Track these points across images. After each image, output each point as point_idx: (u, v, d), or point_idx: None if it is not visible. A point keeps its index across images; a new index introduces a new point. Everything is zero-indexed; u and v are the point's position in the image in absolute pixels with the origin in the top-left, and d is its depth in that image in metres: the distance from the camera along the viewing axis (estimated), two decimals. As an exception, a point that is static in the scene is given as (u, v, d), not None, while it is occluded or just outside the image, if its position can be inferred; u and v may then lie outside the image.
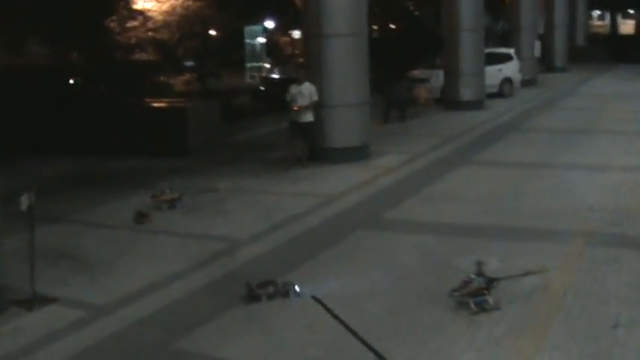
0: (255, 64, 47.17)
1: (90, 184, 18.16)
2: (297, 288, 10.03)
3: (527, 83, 38.40)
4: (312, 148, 19.62)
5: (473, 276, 9.46)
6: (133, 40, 36.50)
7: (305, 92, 18.83)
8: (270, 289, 9.98)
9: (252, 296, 9.91)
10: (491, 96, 32.95)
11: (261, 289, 9.96)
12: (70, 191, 17.24)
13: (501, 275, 9.74)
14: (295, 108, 18.82)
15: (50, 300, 10.12)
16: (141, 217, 14.19)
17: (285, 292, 9.99)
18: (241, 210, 14.90)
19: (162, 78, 34.40)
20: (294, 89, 19.09)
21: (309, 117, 18.97)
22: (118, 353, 8.71)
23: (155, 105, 24.31)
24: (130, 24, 36.58)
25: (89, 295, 10.46)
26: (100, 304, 10.07)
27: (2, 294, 10.00)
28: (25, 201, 9.97)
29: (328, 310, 9.34)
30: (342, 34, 19.39)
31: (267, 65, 47.21)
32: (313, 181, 17.39)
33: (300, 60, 33.65)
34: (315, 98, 18.87)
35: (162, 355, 8.55)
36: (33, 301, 9.94)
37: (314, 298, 9.75)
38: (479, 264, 9.57)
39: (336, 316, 9.12)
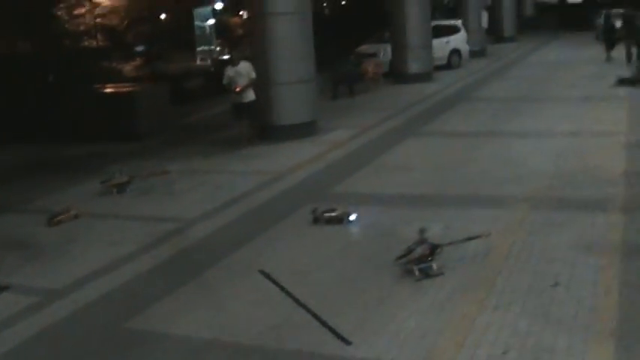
0: (206, 47, 47.01)
1: (41, 172, 18.18)
2: (351, 217, 11.83)
3: (475, 54, 38.79)
4: (260, 126, 19.69)
5: (416, 243, 9.65)
6: (82, 27, 36.32)
7: (243, 72, 18.86)
8: (331, 215, 11.92)
9: (315, 219, 11.95)
10: (439, 68, 33.26)
11: (323, 214, 11.94)
12: (20, 180, 17.26)
13: (444, 241, 9.96)
14: (237, 89, 18.81)
15: (2, 287, 10.19)
16: (54, 218, 13.58)
17: (340, 219, 11.84)
18: (191, 190, 15.02)
19: (112, 64, 34.25)
20: (230, 71, 19.07)
21: (251, 96, 19.07)
22: (70, 335, 8.80)
23: (104, 91, 24.29)
24: (78, 11, 36.37)
25: (41, 282, 10.55)
26: (52, 289, 10.15)
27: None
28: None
29: (276, 283, 9.51)
30: (286, 12, 19.47)
31: (218, 47, 47.07)
32: (262, 159, 17.51)
33: (242, 40, 33.79)
34: (253, 76, 18.91)
35: (114, 334, 8.65)
36: (-15, 290, 10.02)
37: (261, 272, 9.91)
38: (422, 231, 9.76)
39: (283, 289, 9.29)
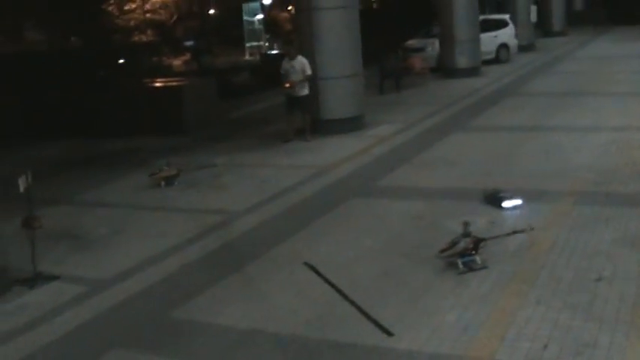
0: (254, 42, 47.21)
1: (89, 166, 18.44)
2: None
3: (524, 49, 38.56)
4: (313, 121, 19.80)
5: (460, 237, 9.68)
6: (132, 23, 36.66)
7: (297, 67, 19.02)
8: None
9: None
10: (487, 62, 33.09)
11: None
12: (69, 173, 17.52)
13: (488, 235, 9.99)
14: (287, 85, 19.03)
15: (51, 278, 10.38)
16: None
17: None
18: (237, 184, 15.17)
19: (162, 58, 34.55)
20: (286, 64, 19.31)
21: (304, 91, 19.16)
22: (116, 325, 8.96)
23: (152, 85, 24.54)
24: (128, 6, 36.70)
25: (89, 272, 10.71)
26: (99, 279, 10.32)
27: (5, 273, 10.26)
28: (22, 183, 10.22)
29: (320, 274, 9.58)
30: (332, 7, 19.54)
31: (266, 42, 47.25)
32: (308, 153, 17.62)
33: (290, 36, 33.84)
34: (309, 72, 19.03)
35: (159, 324, 8.79)
36: (35, 280, 10.21)
37: (306, 264, 9.99)
38: (466, 224, 9.77)
39: (327, 280, 9.36)
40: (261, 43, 46.68)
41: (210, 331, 8.40)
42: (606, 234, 10.35)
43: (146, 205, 14.12)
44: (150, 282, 10.12)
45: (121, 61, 29.17)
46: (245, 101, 28.01)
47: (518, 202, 11.86)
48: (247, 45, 46.68)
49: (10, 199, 10.52)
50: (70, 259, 11.36)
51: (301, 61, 19.11)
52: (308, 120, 19.44)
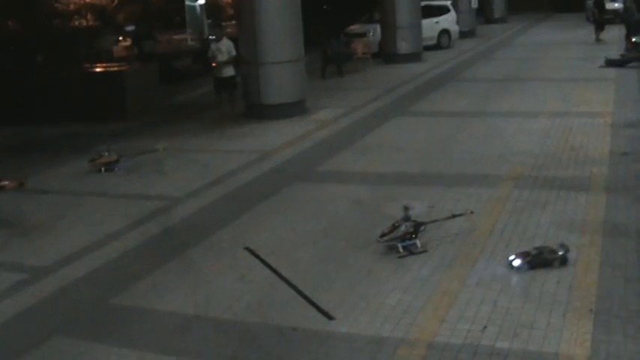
0: (195, 28, 46.84)
1: (29, 152, 18.20)
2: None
3: (465, 35, 38.84)
4: (247, 105, 19.93)
5: (400, 221, 9.74)
6: (72, 7, 36.18)
7: (223, 48, 19.72)
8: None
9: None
10: (429, 48, 33.25)
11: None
12: (8, 159, 17.23)
13: (428, 219, 10.08)
14: (214, 64, 19.77)
15: (-11, 265, 10.25)
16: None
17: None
18: (179, 169, 15.09)
19: (102, 44, 34.15)
20: (213, 46, 20.08)
21: (229, 72, 19.82)
22: (57, 312, 8.89)
23: (92, 70, 24.30)
24: (68, -10, 36.21)
25: (29, 259, 10.57)
26: (39, 266, 10.20)
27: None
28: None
29: (261, 259, 9.60)
30: (274, -9, 19.53)
31: (207, 27, 46.92)
32: (250, 138, 17.58)
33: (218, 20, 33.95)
34: (234, 53, 19.71)
35: (99, 310, 8.74)
36: (-28, 268, 10.09)
37: (247, 249, 9.99)
38: (406, 209, 9.84)
39: (268, 265, 9.38)
40: (202, 27, 46.35)
41: (151, 317, 8.38)
42: (545, 218, 10.49)
43: (86, 191, 13.99)
44: (91, 268, 10.03)
45: (60, 46, 28.80)
46: (187, 86, 27.85)
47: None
48: (188, 29, 46.34)
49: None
50: (10, 246, 11.22)
51: (227, 43, 19.82)
52: (235, 102, 20.27)
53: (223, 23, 28.47)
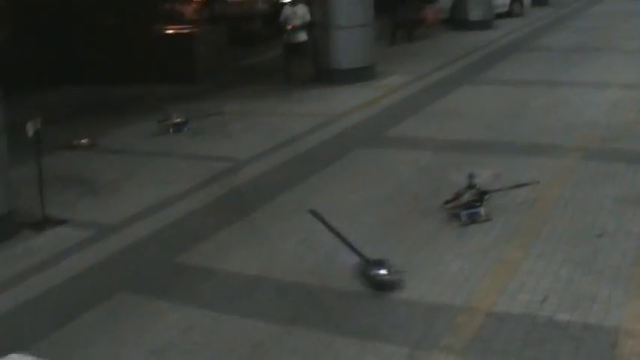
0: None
1: (99, 112, 18.46)
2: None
3: (538, 2, 38.18)
4: (317, 69, 19.90)
5: (465, 189, 9.73)
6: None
7: (299, 13, 19.49)
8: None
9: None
10: (501, 16, 32.84)
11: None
12: (78, 119, 17.52)
13: (493, 188, 10.04)
14: (289, 27, 19.47)
15: (59, 222, 10.48)
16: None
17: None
18: (246, 131, 15.20)
19: (173, 5, 34.32)
20: (287, 10, 19.81)
21: (302, 37, 19.61)
22: (122, 269, 9.08)
23: (162, 32, 24.49)
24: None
25: (97, 217, 10.80)
26: (106, 224, 10.41)
27: (13, 217, 10.36)
28: (30, 128, 10.30)
29: (324, 222, 9.61)
30: (346, -44, 19.48)
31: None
32: (318, 102, 17.64)
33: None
34: (308, 18, 19.48)
35: (164, 269, 8.91)
36: (43, 224, 10.32)
37: (311, 212, 10.03)
38: (470, 177, 9.84)
39: (331, 228, 9.40)
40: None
41: (214, 277, 8.52)
42: (611, 190, 10.39)
43: (154, 152, 14.20)
44: (157, 227, 10.23)
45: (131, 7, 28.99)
46: (256, 49, 27.92)
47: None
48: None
49: (21, 145, 10.56)
50: (79, 204, 11.44)
51: (302, 8, 19.58)
52: (305, 67, 19.90)
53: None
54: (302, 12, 19.43)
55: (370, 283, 7.93)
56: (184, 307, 7.81)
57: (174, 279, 8.58)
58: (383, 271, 7.97)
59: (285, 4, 21.56)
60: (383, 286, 7.88)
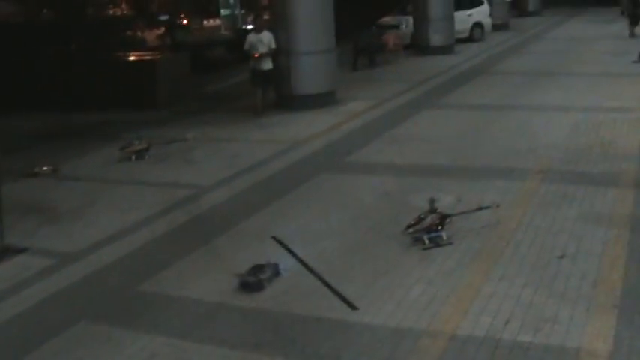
0: (229, 16, 46.92)
1: (60, 139, 18.33)
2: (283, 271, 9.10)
3: (498, 28, 38.63)
4: (278, 95, 19.96)
5: (427, 213, 9.77)
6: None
7: (264, 40, 19.15)
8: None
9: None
10: (461, 41, 33.19)
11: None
12: (40, 146, 17.42)
13: (455, 211, 10.11)
14: (256, 55, 19.11)
15: (19, 250, 10.37)
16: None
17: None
18: (208, 158, 15.18)
19: (136, 32, 34.36)
20: (253, 38, 19.41)
21: (269, 64, 19.32)
22: (84, 297, 8.98)
23: (124, 59, 24.47)
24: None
25: (57, 245, 10.72)
26: (68, 252, 10.32)
27: (-29, 246, 10.26)
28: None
29: (287, 248, 9.66)
30: (307, -18, 19.56)
31: (241, 17, 46.97)
32: (279, 128, 17.65)
33: (260, 11, 33.86)
34: (274, 46, 19.22)
35: (126, 296, 8.83)
36: (3, 253, 10.22)
37: (273, 238, 10.06)
38: (432, 201, 9.90)
39: (293, 254, 9.43)
40: (236, 16, 46.39)
41: (177, 304, 8.46)
42: (572, 212, 10.48)
43: (116, 179, 14.12)
44: (119, 255, 10.15)
45: (94, 34, 29.01)
46: (219, 76, 27.96)
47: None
48: (222, 18, 46.43)
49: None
50: (40, 232, 11.34)
51: (268, 35, 19.29)
52: (268, 95, 19.73)
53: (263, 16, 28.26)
54: (267, 39, 19.17)
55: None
56: (147, 335, 7.75)
57: (136, 307, 8.51)
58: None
59: (249, 31, 21.59)
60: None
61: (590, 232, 9.67)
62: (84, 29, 28.62)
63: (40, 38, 25.72)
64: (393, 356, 6.93)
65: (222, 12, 46.15)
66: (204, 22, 40.37)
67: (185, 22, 37.16)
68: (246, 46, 19.41)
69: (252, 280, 8.70)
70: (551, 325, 7.26)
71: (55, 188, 13.74)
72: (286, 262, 9.31)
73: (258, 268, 8.89)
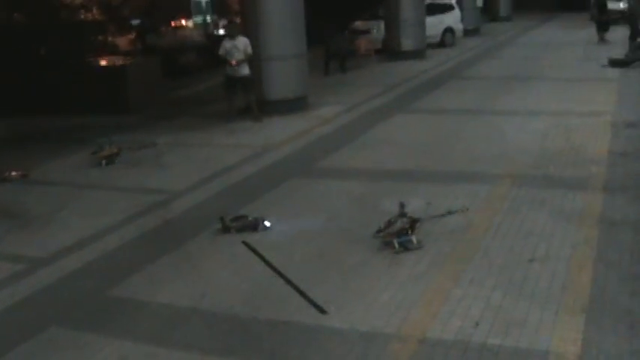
0: (200, 22, 46.86)
1: (32, 143, 18.30)
2: (266, 223, 10.72)
3: (469, 33, 38.80)
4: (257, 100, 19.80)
5: (397, 217, 9.79)
6: (78, 0, 36.23)
7: (240, 46, 18.84)
8: (241, 223, 10.76)
9: (224, 228, 10.68)
10: (432, 46, 33.34)
11: (233, 222, 10.74)
12: (10, 150, 17.34)
13: (425, 216, 10.13)
14: (233, 62, 18.79)
15: (-14, 255, 10.32)
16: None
17: (255, 225, 10.70)
18: (178, 163, 15.17)
19: (107, 37, 34.25)
20: (228, 44, 19.05)
21: (246, 70, 19.05)
22: (54, 303, 8.92)
23: (96, 64, 24.39)
24: (75, -16, 36.23)
25: (27, 250, 10.67)
26: (37, 257, 10.29)
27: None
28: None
29: (257, 253, 9.66)
30: (277, -14, 19.56)
31: (212, 22, 46.94)
32: (250, 133, 17.64)
33: (233, 16, 33.78)
34: (250, 52, 18.92)
35: (96, 302, 8.79)
36: (-30, 258, 10.16)
37: (244, 242, 10.05)
38: (402, 205, 9.90)
39: (264, 259, 9.44)
40: (207, 22, 46.34)
41: (147, 309, 8.44)
42: (541, 216, 10.53)
43: (87, 184, 14.08)
44: (88, 260, 10.10)
45: (65, 39, 28.88)
46: (190, 81, 27.93)
47: (268, 222, 10.83)
48: (194, 24, 46.35)
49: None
50: (8, 236, 11.32)
51: (243, 41, 18.99)
52: (253, 100, 19.35)
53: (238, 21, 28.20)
54: (243, 45, 18.85)
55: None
56: (117, 340, 7.72)
57: (107, 312, 8.48)
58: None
59: (221, 36, 21.44)
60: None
61: (559, 235, 9.72)
62: (56, 33, 28.45)
63: (11, 42, 25.58)
64: (363, 360, 6.95)
65: (194, 17, 46.12)
66: (176, 26, 40.29)
67: (156, 27, 37.05)
68: (221, 51, 19.08)
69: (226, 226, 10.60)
70: (521, 328, 7.29)
71: (25, 193, 13.67)
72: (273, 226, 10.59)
73: (240, 217, 10.78)
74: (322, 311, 7.92)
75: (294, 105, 19.71)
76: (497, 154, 14.06)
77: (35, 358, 7.54)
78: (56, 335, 8.02)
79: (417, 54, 30.88)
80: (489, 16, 49.11)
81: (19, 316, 8.63)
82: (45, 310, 8.72)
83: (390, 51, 31.45)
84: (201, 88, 26.07)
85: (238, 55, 18.82)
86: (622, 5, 39.89)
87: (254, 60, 19.21)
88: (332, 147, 15.66)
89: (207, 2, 47.17)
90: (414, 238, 9.62)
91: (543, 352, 6.86)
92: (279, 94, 19.69)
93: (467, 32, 38.12)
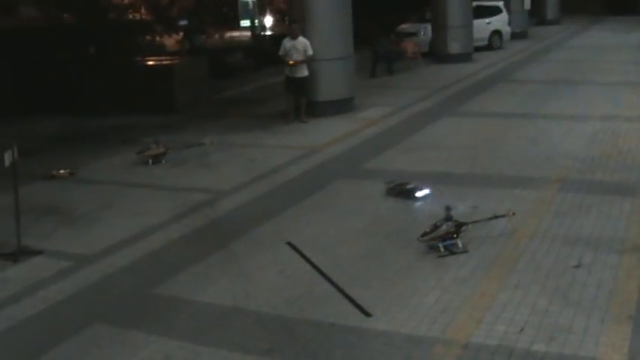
0: (248, 22, 47.07)
1: (78, 142, 18.47)
2: (417, 194, 11.96)
3: (517, 36, 38.63)
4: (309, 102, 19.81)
5: (442, 221, 9.76)
6: (126, 1, 36.54)
7: (299, 47, 18.85)
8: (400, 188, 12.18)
9: (389, 189, 12.25)
10: (480, 49, 33.15)
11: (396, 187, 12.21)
12: (59, 149, 17.53)
13: (471, 219, 10.08)
14: (290, 62, 18.83)
15: (35, 252, 10.40)
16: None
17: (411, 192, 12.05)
18: (225, 163, 15.22)
19: (155, 37, 34.50)
20: (287, 44, 19.06)
21: (304, 72, 19.05)
22: (99, 300, 9.00)
23: (144, 64, 24.56)
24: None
25: (73, 247, 10.74)
26: (83, 254, 10.37)
27: (-12, 247, 10.30)
28: (8, 157, 10.21)
29: (302, 254, 9.66)
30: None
31: (260, 22, 47.13)
32: (297, 134, 17.69)
33: (292, 16, 33.77)
34: (310, 52, 18.87)
35: (141, 300, 8.85)
36: (19, 254, 10.23)
37: (289, 244, 10.06)
38: (448, 209, 9.86)
39: (308, 261, 9.44)
40: (255, 22, 46.51)
41: (191, 308, 8.47)
42: (588, 222, 10.43)
43: (133, 183, 14.17)
44: (134, 258, 10.17)
45: (113, 38, 29.14)
46: (237, 81, 28.02)
47: (427, 191, 12.02)
48: (241, 24, 46.54)
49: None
50: (56, 234, 11.40)
51: (303, 42, 18.93)
52: (304, 102, 19.36)
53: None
54: (302, 46, 18.83)
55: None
56: (161, 338, 7.76)
57: (151, 310, 8.53)
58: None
59: (267, 37, 21.48)
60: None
61: (606, 242, 9.61)
62: (104, 33, 28.71)
63: (60, 42, 25.85)
64: (407, 363, 6.93)
65: (241, 17, 46.32)
66: (223, 27, 40.51)
67: (204, 27, 37.26)
68: (281, 51, 19.14)
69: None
70: (566, 334, 7.22)
71: (72, 191, 13.79)
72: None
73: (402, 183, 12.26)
74: (367, 314, 7.90)
75: (341, 106, 19.73)
76: (545, 158, 13.95)
77: (79, 354, 7.59)
78: (101, 332, 8.07)
79: (464, 57, 30.75)
80: (537, 19, 48.81)
81: (65, 312, 8.71)
82: (90, 308, 8.78)
83: (437, 54, 31.37)
84: (248, 89, 26.14)
85: (297, 56, 18.84)
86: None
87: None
88: (378, 149, 15.65)
89: (254, 3, 47.34)
90: (459, 242, 9.59)
91: (589, 359, 6.79)
92: (326, 95, 19.71)
93: (514, 35, 37.94)
